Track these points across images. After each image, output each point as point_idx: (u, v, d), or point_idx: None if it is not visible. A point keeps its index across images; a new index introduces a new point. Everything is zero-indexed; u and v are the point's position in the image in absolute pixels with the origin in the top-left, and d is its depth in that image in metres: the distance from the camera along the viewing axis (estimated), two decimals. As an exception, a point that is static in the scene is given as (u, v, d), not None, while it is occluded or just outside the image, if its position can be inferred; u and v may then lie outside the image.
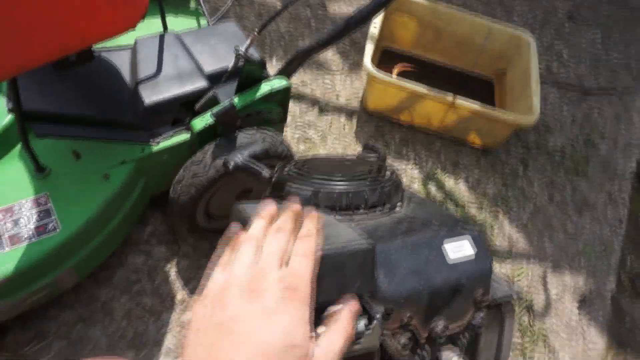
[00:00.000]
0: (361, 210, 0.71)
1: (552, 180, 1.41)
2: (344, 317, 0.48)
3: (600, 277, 1.27)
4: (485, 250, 0.70)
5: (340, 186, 0.70)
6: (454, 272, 0.65)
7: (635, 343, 1.21)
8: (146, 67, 0.90)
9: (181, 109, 0.94)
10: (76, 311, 0.98)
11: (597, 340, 1.17)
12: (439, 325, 0.64)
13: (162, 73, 0.90)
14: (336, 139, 1.34)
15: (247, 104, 0.91)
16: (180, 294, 1.03)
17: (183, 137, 0.93)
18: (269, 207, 0.52)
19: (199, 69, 0.93)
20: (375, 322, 0.57)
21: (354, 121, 1.39)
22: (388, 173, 0.77)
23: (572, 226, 1.34)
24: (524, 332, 1.13)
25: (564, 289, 1.22)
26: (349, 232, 0.60)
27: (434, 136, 1.41)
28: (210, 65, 0.94)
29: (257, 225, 0.50)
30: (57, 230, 0.82)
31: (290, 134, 1.31)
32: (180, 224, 1.03)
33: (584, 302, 1.22)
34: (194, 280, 1.05)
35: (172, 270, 1.06)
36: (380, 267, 0.61)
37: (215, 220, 1.04)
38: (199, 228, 1.02)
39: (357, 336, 0.56)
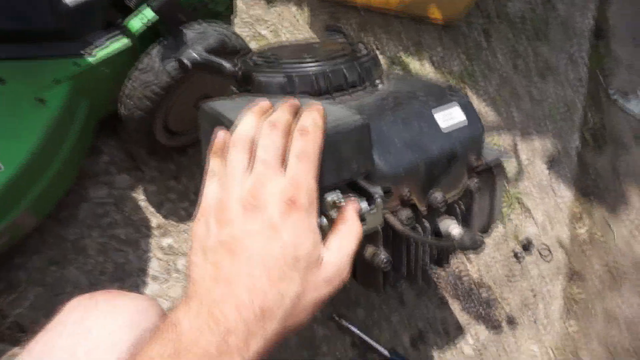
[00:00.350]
0: (342, 92, 0.65)
1: (515, 48, 1.38)
2: (350, 217, 0.45)
3: (565, 137, 1.30)
4: (476, 115, 0.66)
5: (315, 67, 0.63)
6: (449, 140, 0.63)
7: (599, 190, 1.29)
8: (57, -40, 0.74)
9: (111, 9, 0.80)
10: (45, 254, 0.90)
11: (565, 194, 1.23)
12: (437, 196, 0.63)
13: (79, -35, 0.75)
14: (290, 32, 1.23)
15: (188, -8, 0.78)
16: (155, 219, 0.97)
17: (121, 42, 0.81)
18: (261, 101, 0.45)
19: (122, -44, 0.78)
20: (377, 200, 0.55)
21: (306, 10, 1.27)
22: (362, 47, 0.70)
23: (537, 92, 1.34)
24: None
25: (533, 153, 1.25)
26: (339, 110, 0.55)
27: (392, 17, 1.32)
28: (135, -49, 0.79)
29: (247, 122, 0.43)
30: (-1, 169, 0.71)
31: (238, 31, 1.18)
32: (139, 145, 0.93)
33: (553, 162, 1.26)
34: (166, 203, 0.98)
35: (140, 197, 0.99)
36: (374, 145, 0.57)
37: (177, 136, 0.95)
38: (160, 147, 0.93)
39: (361, 218, 0.54)
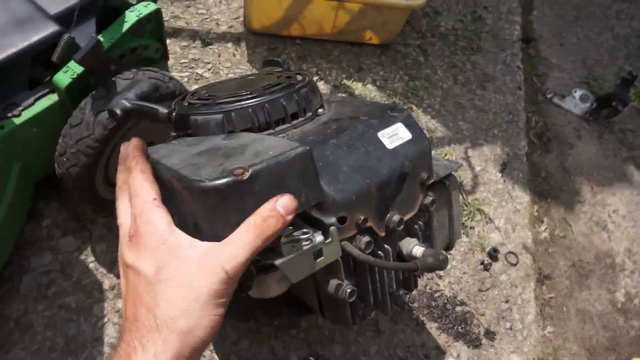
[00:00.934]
0: (283, 124, 0.63)
1: (453, 62, 1.43)
2: (261, 214, 0.43)
3: (513, 141, 1.34)
4: (420, 130, 0.66)
5: (252, 102, 0.61)
6: (396, 158, 0.62)
7: (552, 189, 1.32)
8: (-32, 21, 0.70)
9: (35, 67, 0.76)
10: (-15, 338, 0.82)
11: (522, 197, 1.25)
12: (394, 218, 0.61)
13: (-7, 24, 0.71)
14: (230, 70, 1.22)
15: (114, 40, 0.75)
16: (107, 280, 0.91)
17: (50, 99, 0.77)
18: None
19: (41, 11, 0.75)
20: (332, 230, 0.53)
21: (243, 46, 1.27)
22: (299, 77, 0.69)
23: (480, 101, 1.38)
24: (461, 210, 1.18)
25: (486, 161, 1.28)
26: (279, 142, 0.53)
27: (330, 45, 1.34)
28: (55, 3, 0.76)
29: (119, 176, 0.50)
30: None
31: (177, 75, 1.16)
32: (82, 204, 0.88)
33: (505, 167, 1.28)
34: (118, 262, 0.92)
35: (89, 259, 0.92)
36: (321, 173, 0.55)
37: (122, 188, 0.90)
38: (105, 203, 0.88)
39: (318, 250, 0.51)
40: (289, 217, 0.43)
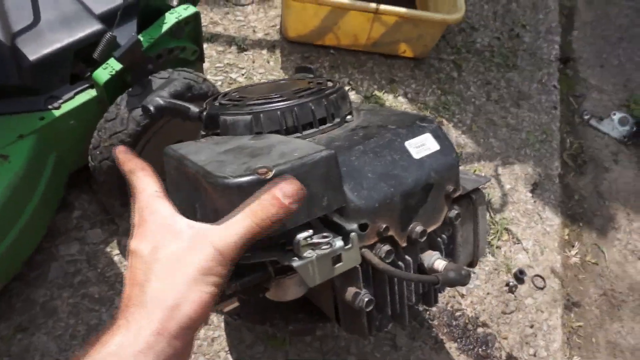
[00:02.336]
0: (311, 129, 0.64)
1: (487, 79, 1.41)
2: (259, 198, 0.41)
3: (546, 162, 1.30)
4: (449, 142, 0.65)
5: (281, 105, 0.62)
6: (423, 169, 0.61)
7: (585, 213, 1.27)
8: (20, 16, 0.74)
9: (77, 62, 0.79)
10: (12, 321, 0.85)
11: (553, 219, 1.21)
12: (417, 229, 0.60)
13: (43, 20, 0.74)
14: (263, 76, 1.24)
15: (153, 40, 0.78)
16: (131, 273, 0.93)
17: (88, 94, 0.80)
18: None
19: (87, 10, 0.78)
20: (353, 237, 0.52)
21: (278, 54, 1.29)
22: (329, 84, 0.69)
23: (513, 119, 1.35)
24: (487, 228, 1.15)
25: (516, 180, 1.24)
26: (305, 144, 0.53)
27: (364, 56, 1.34)
28: (100, 3, 0.79)
29: None
30: (-43, 230, 0.68)
31: (211, 79, 1.19)
32: (111, 197, 0.90)
33: (536, 188, 1.25)
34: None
35: (114, 252, 0.95)
36: (345, 179, 0.54)
37: (150, 185, 0.92)
38: (133, 198, 0.90)
39: (337, 256, 0.51)
40: (292, 205, 0.41)
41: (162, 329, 0.36)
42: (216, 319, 0.87)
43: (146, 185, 0.45)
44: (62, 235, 0.93)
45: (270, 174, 0.45)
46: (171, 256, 0.39)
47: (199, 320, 0.39)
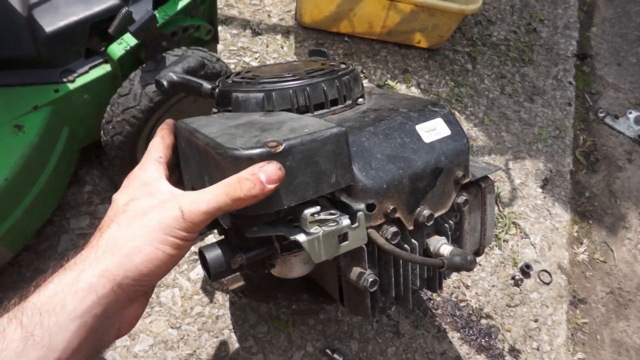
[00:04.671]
0: (322, 109, 0.63)
1: (501, 72, 1.39)
2: (235, 176, 0.42)
3: (558, 158, 1.29)
4: (460, 128, 0.65)
5: (293, 84, 0.62)
6: (433, 152, 0.60)
7: (595, 211, 1.26)
8: (37, -12, 0.74)
9: (92, 37, 0.80)
10: (22, 289, 0.86)
11: (562, 215, 1.20)
12: (424, 213, 0.60)
13: (59, -7, 0.75)
14: (276, 61, 1.24)
15: (168, 18, 0.78)
16: (139, 250, 0.94)
17: (103, 69, 0.80)
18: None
19: (103, -16, 0.78)
20: (360, 216, 0.52)
21: (292, 39, 1.28)
22: (343, 66, 0.69)
23: (526, 114, 1.34)
24: (495, 221, 1.14)
25: (526, 175, 1.23)
26: (316, 121, 0.53)
27: (378, 44, 1.34)
28: (117, -21, 0.80)
29: None
30: (-29, 197, 0.69)
31: (224, 61, 1.19)
32: (123, 173, 0.91)
33: (547, 183, 1.24)
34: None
35: (123, 228, 0.96)
36: (354, 159, 0.54)
37: (161, 163, 0.93)
38: (144, 176, 0.91)
39: (344, 234, 0.51)
40: (270, 186, 0.41)
41: (107, 273, 0.37)
42: (221, 298, 0.88)
43: (153, 149, 0.47)
44: (72, 209, 0.94)
45: (280, 148, 0.45)
46: (139, 209, 0.40)
47: (149, 277, 0.38)
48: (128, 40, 0.77)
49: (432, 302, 0.99)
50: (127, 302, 0.39)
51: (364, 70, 1.29)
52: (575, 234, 1.20)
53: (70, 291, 0.36)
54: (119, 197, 0.43)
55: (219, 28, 1.03)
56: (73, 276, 0.36)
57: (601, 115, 1.41)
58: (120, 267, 0.37)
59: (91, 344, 0.37)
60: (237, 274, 0.76)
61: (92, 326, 0.36)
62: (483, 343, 0.97)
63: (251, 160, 0.45)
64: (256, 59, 1.22)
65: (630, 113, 1.40)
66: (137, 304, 0.41)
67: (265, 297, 0.74)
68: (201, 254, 0.54)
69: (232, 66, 1.20)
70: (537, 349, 1.00)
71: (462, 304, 1.00)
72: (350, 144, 0.52)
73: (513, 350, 0.98)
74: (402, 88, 1.29)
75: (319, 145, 0.48)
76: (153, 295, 0.88)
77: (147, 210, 0.40)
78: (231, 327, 0.87)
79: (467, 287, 1.03)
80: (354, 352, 0.89)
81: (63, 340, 0.35)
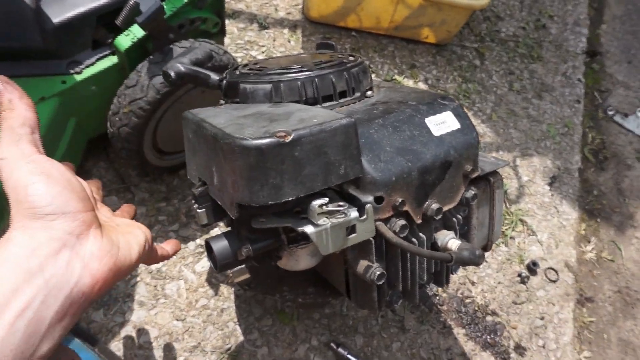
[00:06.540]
0: (331, 101, 0.63)
1: (510, 69, 1.38)
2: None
3: (566, 155, 1.28)
4: (469, 121, 0.64)
5: (302, 75, 0.61)
6: (442, 146, 0.60)
7: (603, 209, 1.25)
8: (45, -22, 0.74)
9: (99, 28, 0.80)
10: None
11: (570, 213, 1.19)
12: (433, 206, 0.60)
13: (67, -17, 0.75)
14: (283, 55, 1.23)
15: (176, 9, 0.78)
16: (144, 243, 0.94)
17: (110, 61, 0.80)
18: None
19: (111, -25, 0.78)
20: (368, 208, 0.52)
21: (299, 33, 1.28)
22: (351, 58, 0.69)
23: (534, 111, 1.33)
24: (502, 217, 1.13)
25: (534, 172, 1.22)
26: (325, 112, 0.53)
27: (385, 39, 1.33)
28: (125, -30, 0.79)
29: None
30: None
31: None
32: (128, 165, 0.91)
33: (554, 181, 1.23)
34: (156, 225, 0.95)
35: (129, 221, 0.96)
36: (363, 151, 0.54)
37: (168, 156, 0.93)
38: (150, 168, 0.91)
39: (352, 226, 0.51)
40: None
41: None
42: (226, 291, 0.88)
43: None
44: (78, 201, 0.94)
45: (289, 138, 0.45)
46: None
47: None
48: (135, 32, 0.77)
49: (437, 298, 0.98)
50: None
51: (372, 65, 1.29)
52: (583, 232, 1.20)
53: None
54: None
55: (226, 22, 1.03)
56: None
57: (610, 113, 1.40)
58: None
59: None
60: (243, 266, 0.76)
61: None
62: (488, 340, 0.97)
63: (259, 151, 0.44)
64: (263, 52, 1.22)
65: (640, 111, 1.38)
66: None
67: (270, 290, 0.74)
68: (208, 244, 0.54)
69: (239, 60, 1.20)
70: (543, 347, 0.99)
71: (467, 301, 1.00)
72: (359, 135, 0.52)
73: (518, 348, 0.98)
74: (409, 83, 1.28)
75: (328, 136, 0.47)
76: (158, 287, 0.88)
77: None
78: (236, 319, 0.87)
79: (473, 283, 1.02)
80: (358, 346, 0.89)
81: None
